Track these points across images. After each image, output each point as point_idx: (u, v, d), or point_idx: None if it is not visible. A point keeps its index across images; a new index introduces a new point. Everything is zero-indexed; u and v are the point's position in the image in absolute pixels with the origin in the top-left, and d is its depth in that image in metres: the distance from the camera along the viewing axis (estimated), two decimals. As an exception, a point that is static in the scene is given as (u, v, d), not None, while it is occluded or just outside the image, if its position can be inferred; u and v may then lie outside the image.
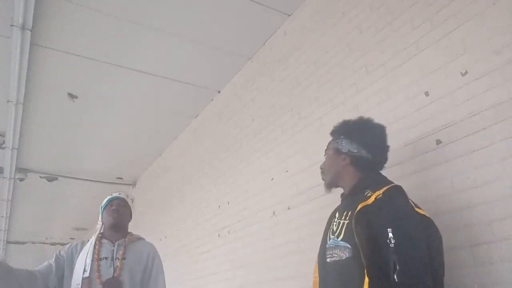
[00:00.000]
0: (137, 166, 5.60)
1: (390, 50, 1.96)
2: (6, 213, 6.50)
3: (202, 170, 3.91)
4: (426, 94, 1.73)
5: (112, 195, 2.29)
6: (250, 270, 2.81)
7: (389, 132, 1.88)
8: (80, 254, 2.07)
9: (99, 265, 2.02)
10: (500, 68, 1.46)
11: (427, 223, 1.34)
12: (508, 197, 1.37)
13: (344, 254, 1.35)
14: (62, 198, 6.52)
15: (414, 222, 1.30)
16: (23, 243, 8.95)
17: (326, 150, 1.65)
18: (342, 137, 1.60)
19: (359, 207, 1.32)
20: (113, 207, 2.20)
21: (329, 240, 1.47)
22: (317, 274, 1.54)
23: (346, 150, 1.56)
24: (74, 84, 3.54)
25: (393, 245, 1.21)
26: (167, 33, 2.97)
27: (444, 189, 1.58)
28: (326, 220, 1.98)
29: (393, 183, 1.41)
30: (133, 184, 6.16)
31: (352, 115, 2.14)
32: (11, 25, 2.65)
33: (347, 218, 1.39)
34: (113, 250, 2.11)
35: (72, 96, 3.67)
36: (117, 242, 2.15)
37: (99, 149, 4.94)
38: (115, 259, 2.08)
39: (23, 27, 2.66)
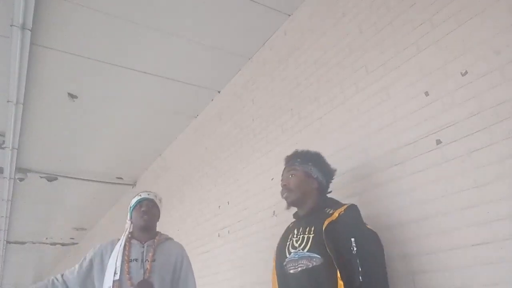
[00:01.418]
0: (137, 166, 5.60)
1: (390, 50, 1.96)
2: (6, 213, 6.49)
3: (202, 170, 3.91)
4: (426, 94, 1.73)
5: (141, 195, 2.29)
6: (250, 270, 2.81)
7: (389, 132, 1.88)
8: (111, 256, 2.10)
9: (129, 267, 2.04)
10: (500, 68, 1.46)
11: (375, 236, 1.60)
12: (508, 197, 1.37)
13: (311, 263, 1.54)
14: (62, 198, 6.52)
15: (369, 233, 1.59)
16: (23, 243, 8.95)
17: (291, 170, 1.81)
18: (310, 164, 1.81)
19: (326, 223, 1.55)
20: (143, 208, 2.22)
21: (289, 254, 1.65)
22: (276, 286, 1.72)
23: (316, 176, 1.79)
24: (74, 84, 3.54)
25: (355, 251, 1.46)
26: (167, 33, 2.97)
27: (444, 189, 1.58)
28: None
29: (347, 203, 1.65)
30: (133, 184, 6.16)
31: (352, 115, 2.15)
32: (11, 25, 2.64)
33: (312, 232, 1.60)
34: (143, 251, 2.13)
35: (72, 96, 3.67)
36: (146, 243, 2.17)
37: (99, 149, 4.94)
38: (145, 261, 2.10)
39: (23, 27, 2.66)
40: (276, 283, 1.72)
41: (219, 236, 3.33)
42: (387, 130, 1.90)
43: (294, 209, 1.85)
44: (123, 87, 3.63)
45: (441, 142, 1.63)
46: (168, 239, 2.30)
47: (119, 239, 2.19)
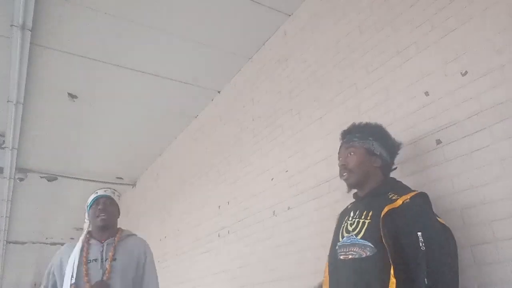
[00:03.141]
0: (137, 166, 5.60)
1: (390, 50, 1.96)
2: (6, 213, 6.49)
3: (202, 170, 3.91)
4: (426, 94, 1.72)
5: (97, 193, 2.19)
6: (250, 270, 2.81)
7: (389, 132, 1.88)
8: (69, 259, 1.99)
9: (87, 269, 1.94)
10: (500, 68, 1.46)
11: (448, 232, 1.37)
12: (508, 197, 1.37)
13: (365, 253, 1.36)
14: (62, 198, 6.51)
15: (440, 228, 1.34)
16: (23, 243, 8.95)
17: (349, 147, 1.59)
18: (371, 138, 1.58)
19: (386, 209, 1.35)
20: (99, 207, 2.11)
21: (342, 238, 1.48)
22: (327, 274, 1.54)
23: (379, 153, 1.56)
24: (74, 84, 3.54)
25: (424, 248, 1.24)
26: (167, 33, 2.97)
27: (444, 189, 1.58)
28: (325, 220, 1.97)
29: (416, 190, 1.44)
30: (133, 184, 6.16)
31: (352, 115, 2.15)
32: (11, 25, 2.65)
33: (369, 217, 1.41)
34: (102, 251, 2.02)
35: (72, 96, 3.67)
36: (106, 241, 2.06)
37: (99, 149, 4.94)
38: (105, 260, 1.99)
39: (23, 27, 2.66)
40: (327, 268, 1.56)
41: (219, 236, 3.33)
42: (387, 130, 1.90)
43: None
44: (123, 87, 3.63)
45: (441, 142, 1.63)
46: (131, 235, 2.20)
47: (78, 241, 2.09)
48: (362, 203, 1.52)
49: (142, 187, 5.90)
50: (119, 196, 2.27)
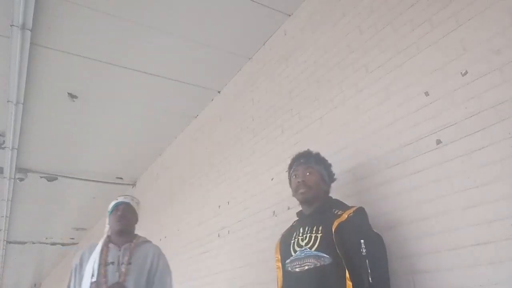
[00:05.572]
0: (137, 166, 5.60)
1: (390, 50, 1.96)
2: (6, 213, 6.49)
3: (202, 170, 3.91)
4: (426, 94, 1.73)
5: (117, 199, 2.36)
6: (250, 270, 2.81)
7: (389, 132, 1.88)
8: (89, 260, 2.16)
9: (106, 270, 2.11)
10: (500, 68, 1.46)
11: (381, 239, 1.62)
12: (508, 197, 1.37)
13: (320, 262, 1.54)
14: (62, 198, 6.51)
15: (375, 235, 1.61)
16: (23, 243, 8.95)
17: (308, 168, 1.81)
18: (323, 166, 1.85)
19: (336, 223, 1.56)
20: (119, 213, 2.29)
21: (295, 253, 1.65)
22: (281, 284, 1.72)
23: (327, 180, 1.85)
24: (74, 84, 3.54)
25: (364, 253, 1.48)
26: (167, 33, 2.97)
27: (444, 189, 1.58)
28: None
29: (354, 206, 1.69)
30: (133, 184, 6.16)
31: (352, 115, 2.15)
32: (11, 25, 2.65)
33: (320, 232, 1.61)
34: (119, 255, 2.19)
35: (72, 96, 3.67)
36: (123, 246, 2.23)
37: (99, 149, 4.94)
38: (121, 264, 2.16)
39: (23, 27, 2.66)
40: (281, 281, 1.73)
41: (219, 236, 3.33)
42: (387, 130, 1.90)
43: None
44: (123, 87, 3.63)
45: (441, 142, 1.63)
46: (146, 241, 2.37)
47: (98, 244, 2.25)
48: (310, 220, 1.72)
49: (142, 187, 5.90)
50: (138, 203, 2.43)
